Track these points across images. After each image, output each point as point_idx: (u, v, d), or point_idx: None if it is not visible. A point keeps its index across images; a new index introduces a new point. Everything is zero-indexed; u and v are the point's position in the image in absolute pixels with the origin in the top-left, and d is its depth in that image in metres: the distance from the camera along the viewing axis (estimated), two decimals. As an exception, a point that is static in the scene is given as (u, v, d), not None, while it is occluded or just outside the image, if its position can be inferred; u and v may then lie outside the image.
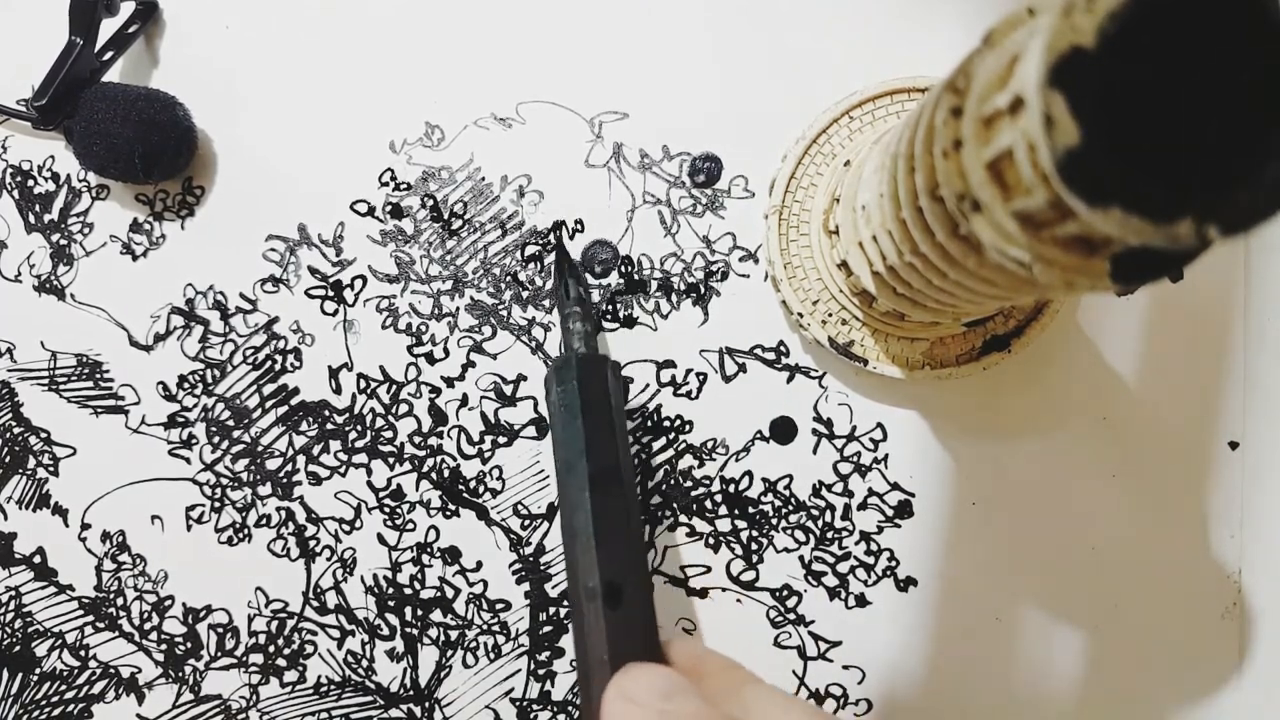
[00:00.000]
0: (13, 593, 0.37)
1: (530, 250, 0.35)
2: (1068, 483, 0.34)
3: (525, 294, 0.35)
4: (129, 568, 0.36)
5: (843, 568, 0.34)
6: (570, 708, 0.35)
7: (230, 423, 0.36)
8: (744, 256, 0.35)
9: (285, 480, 0.36)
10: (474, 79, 0.36)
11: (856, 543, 0.34)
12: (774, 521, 0.34)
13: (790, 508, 0.34)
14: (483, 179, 0.35)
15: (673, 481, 0.35)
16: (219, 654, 0.36)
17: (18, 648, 0.37)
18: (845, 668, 0.34)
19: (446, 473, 0.35)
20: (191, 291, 0.36)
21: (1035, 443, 0.34)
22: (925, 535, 0.34)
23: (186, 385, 0.36)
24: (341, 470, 0.36)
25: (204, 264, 0.36)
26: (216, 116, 0.36)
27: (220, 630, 0.36)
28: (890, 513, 0.34)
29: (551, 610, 0.35)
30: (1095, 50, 0.14)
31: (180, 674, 0.36)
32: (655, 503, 0.35)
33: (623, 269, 0.35)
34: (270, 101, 0.36)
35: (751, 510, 0.34)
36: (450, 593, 0.35)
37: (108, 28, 0.35)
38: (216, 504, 0.36)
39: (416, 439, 0.35)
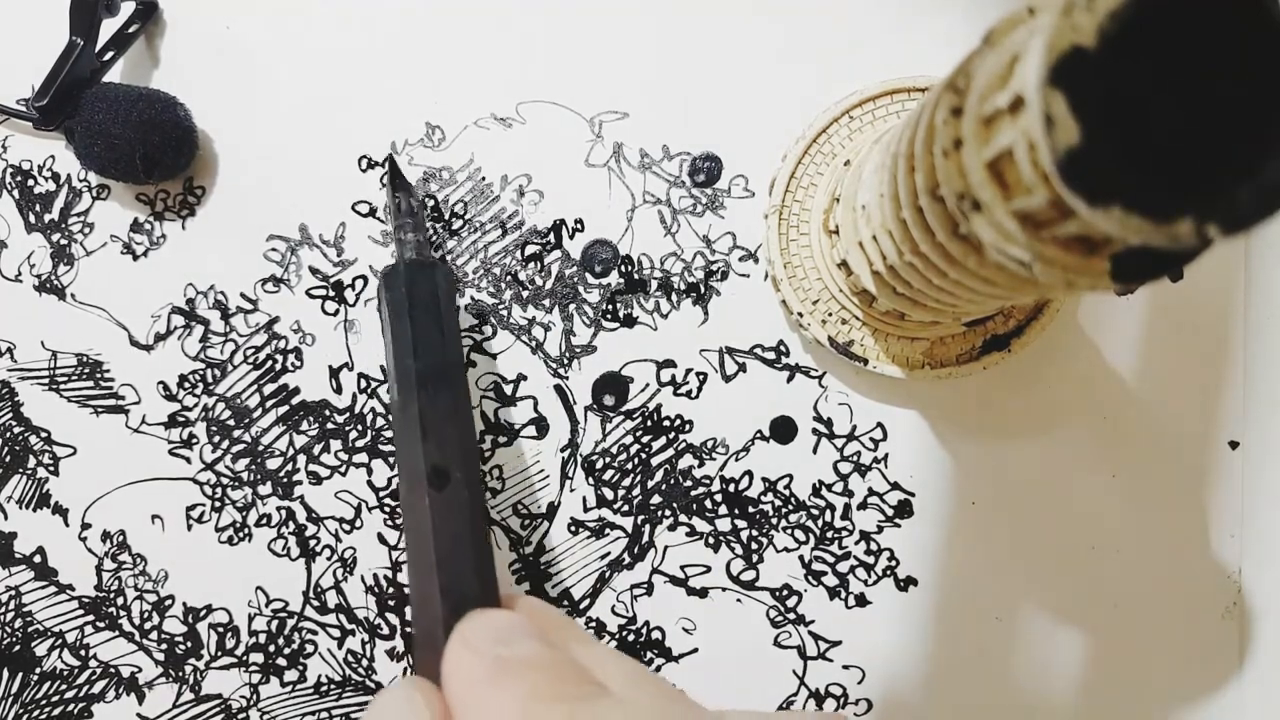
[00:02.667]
0: (13, 593, 0.37)
1: (530, 250, 0.35)
2: (1068, 483, 0.34)
3: (525, 294, 0.35)
4: (129, 567, 0.37)
5: (843, 567, 0.34)
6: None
7: (231, 422, 0.36)
8: (744, 256, 0.35)
9: (286, 480, 0.36)
10: (474, 79, 0.36)
11: (856, 542, 0.34)
12: (774, 521, 0.34)
13: (790, 507, 0.34)
14: (483, 179, 0.36)
15: (673, 481, 0.35)
16: (219, 653, 0.36)
17: (18, 648, 0.37)
18: (845, 668, 0.34)
19: (447, 472, 0.35)
20: (192, 291, 0.36)
21: (1035, 443, 0.34)
22: (925, 535, 0.34)
23: (187, 385, 0.36)
24: (342, 470, 0.36)
25: (204, 264, 0.36)
26: (217, 116, 0.36)
27: (220, 630, 0.36)
28: (890, 512, 0.34)
29: (552, 610, 0.35)
30: (1095, 50, 0.14)
31: (180, 673, 0.36)
32: (655, 503, 0.35)
33: (623, 269, 0.35)
34: (271, 101, 0.36)
35: (751, 510, 0.34)
36: (450, 592, 0.35)
37: (108, 28, 0.35)
38: (217, 504, 0.36)
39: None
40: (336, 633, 0.36)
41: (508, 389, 0.35)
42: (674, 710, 0.21)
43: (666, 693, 0.23)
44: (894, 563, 0.34)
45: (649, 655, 0.35)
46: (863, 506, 0.34)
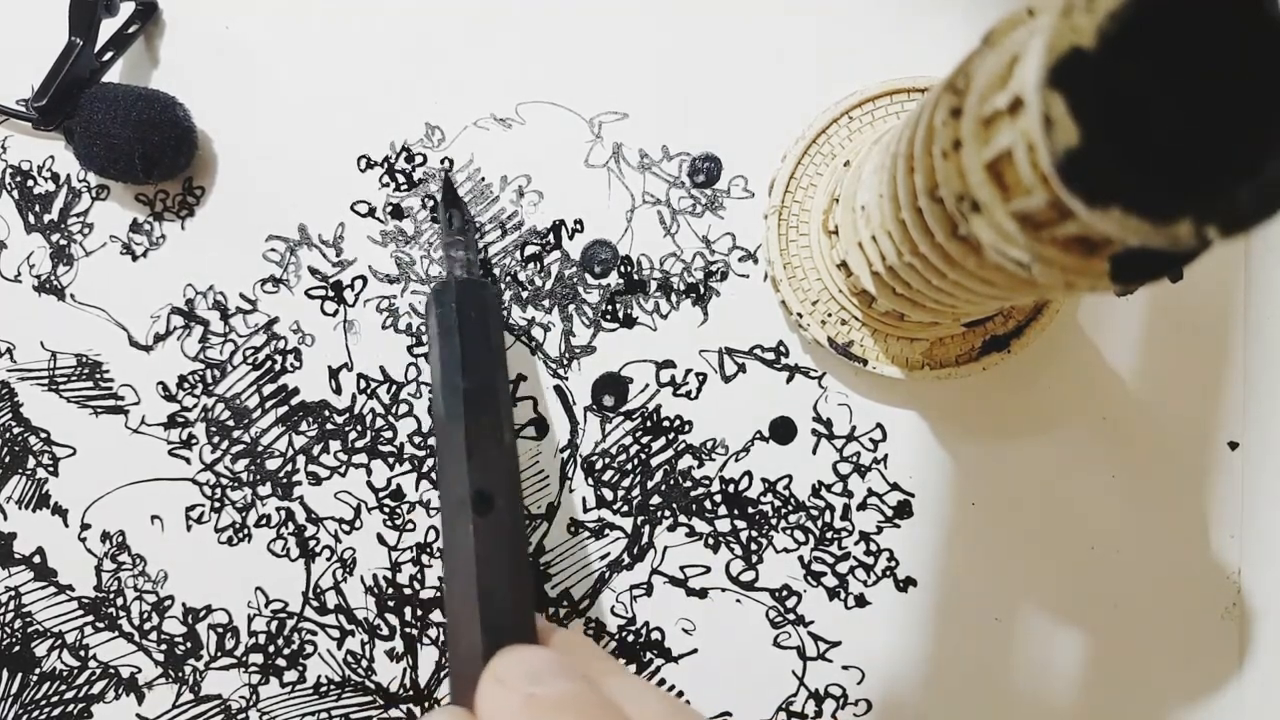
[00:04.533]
0: (13, 593, 0.37)
1: (530, 250, 0.35)
2: (1068, 483, 0.34)
3: (525, 294, 0.35)
4: (129, 568, 0.37)
5: (842, 568, 0.34)
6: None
7: (230, 423, 0.36)
8: (743, 256, 0.35)
9: (285, 480, 0.36)
10: (474, 79, 0.36)
11: (856, 543, 0.34)
12: (773, 522, 0.34)
13: (790, 508, 0.34)
14: (483, 179, 0.36)
15: (672, 481, 0.35)
16: (219, 654, 0.36)
17: (18, 648, 0.37)
18: (845, 668, 0.34)
19: (446, 473, 0.35)
20: (191, 291, 0.36)
21: (1035, 443, 0.34)
22: (925, 535, 0.34)
23: (186, 385, 0.36)
24: (341, 470, 0.36)
25: (204, 264, 0.36)
26: (216, 116, 0.36)
27: (220, 630, 0.36)
28: (890, 513, 0.34)
29: (552, 610, 0.35)
30: (1095, 50, 0.14)
31: (180, 674, 0.36)
32: (655, 503, 0.35)
33: (622, 269, 0.35)
34: (270, 101, 0.36)
35: (751, 510, 0.34)
36: (450, 593, 0.35)
37: (108, 28, 0.35)
38: (216, 504, 0.36)
39: (416, 439, 0.35)
40: (336, 633, 0.36)
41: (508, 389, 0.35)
42: None
43: None
44: (893, 563, 0.34)
45: (649, 655, 0.35)
46: (862, 507, 0.34)
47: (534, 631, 0.26)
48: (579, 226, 0.35)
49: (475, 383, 0.28)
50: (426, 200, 0.36)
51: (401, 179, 0.36)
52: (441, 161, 0.35)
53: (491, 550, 0.26)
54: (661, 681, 0.35)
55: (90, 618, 0.37)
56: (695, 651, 0.35)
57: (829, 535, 0.34)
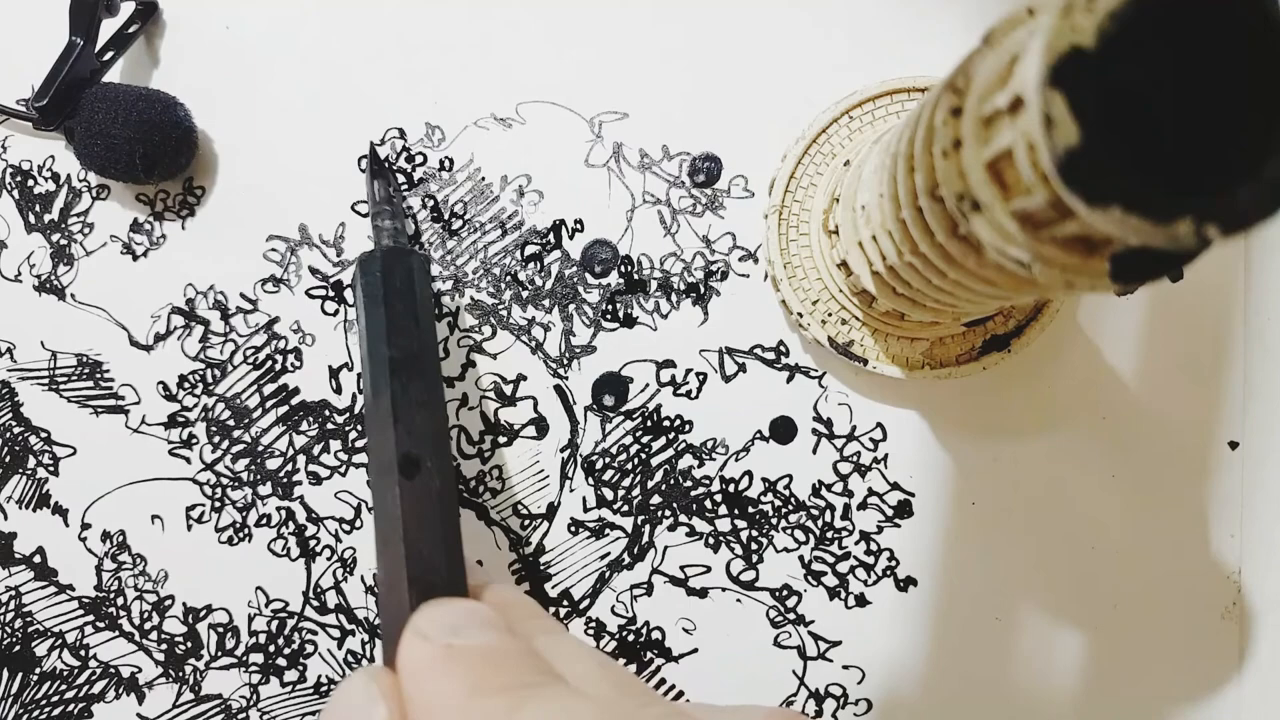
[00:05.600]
0: (13, 593, 0.37)
1: (530, 250, 0.35)
2: (1068, 483, 0.34)
3: (525, 294, 0.35)
4: (129, 567, 0.37)
5: (843, 567, 0.34)
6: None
7: (230, 422, 0.36)
8: (744, 256, 0.35)
9: (285, 480, 0.36)
10: (474, 79, 0.36)
11: (856, 543, 0.34)
12: (774, 521, 0.34)
13: (790, 507, 0.34)
14: (483, 179, 0.36)
15: (673, 481, 0.35)
16: (219, 654, 0.36)
17: (18, 648, 0.37)
18: (845, 668, 0.34)
19: (446, 473, 0.35)
20: (192, 291, 0.36)
21: (1035, 443, 0.34)
22: (925, 535, 0.34)
23: (186, 385, 0.36)
24: (342, 470, 0.36)
25: (204, 264, 0.36)
26: (217, 116, 0.36)
27: (220, 630, 0.36)
28: (890, 512, 0.34)
29: (551, 610, 0.35)
30: (1095, 50, 0.14)
31: (180, 674, 0.36)
32: (655, 503, 0.35)
33: (622, 269, 0.35)
34: (271, 101, 0.36)
35: (751, 510, 0.34)
36: (450, 592, 0.35)
37: (108, 28, 0.35)
38: (217, 504, 0.36)
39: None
40: (336, 633, 0.36)
41: (508, 389, 0.35)
42: (624, 704, 0.20)
43: (624, 685, 0.23)
44: (894, 563, 0.34)
45: (649, 655, 0.35)
46: (862, 507, 0.34)
47: (464, 590, 0.26)
48: (579, 226, 0.35)
49: (401, 350, 0.28)
50: (426, 200, 0.36)
51: (401, 178, 0.36)
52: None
53: (420, 511, 0.26)
54: (661, 681, 0.35)
55: (90, 617, 0.37)
56: (695, 651, 0.35)
57: (829, 535, 0.34)
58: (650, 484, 0.35)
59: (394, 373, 0.28)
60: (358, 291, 0.30)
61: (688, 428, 0.35)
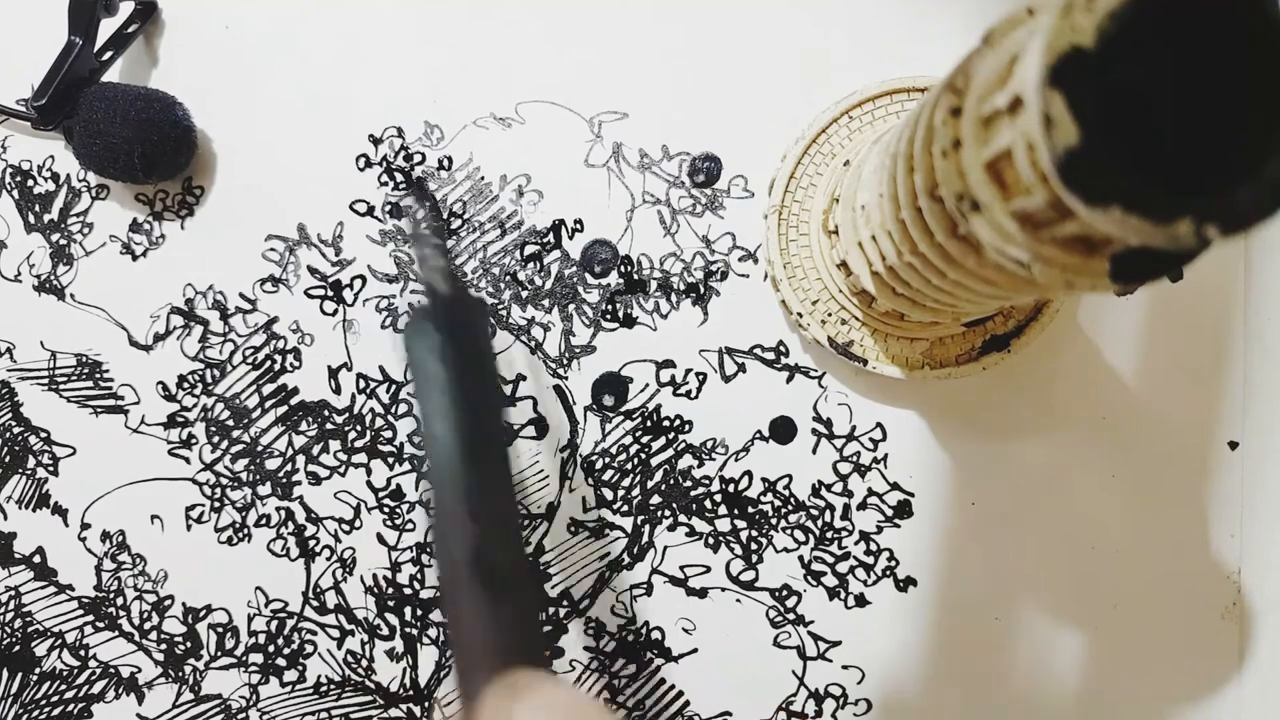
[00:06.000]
0: (13, 593, 0.37)
1: (530, 250, 0.35)
2: (1068, 483, 0.34)
3: (524, 294, 0.35)
4: (129, 567, 0.36)
5: (842, 568, 0.34)
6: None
7: (230, 423, 0.36)
8: (744, 256, 0.35)
9: (285, 480, 0.36)
10: (474, 79, 0.36)
11: (856, 543, 0.34)
12: (774, 521, 0.34)
13: (790, 507, 0.34)
14: (482, 178, 0.35)
15: (673, 481, 0.35)
16: (219, 654, 0.36)
17: (18, 648, 0.37)
18: (845, 668, 0.34)
19: (446, 473, 0.35)
20: (191, 291, 0.36)
21: (1035, 443, 0.34)
22: (925, 535, 0.34)
23: (186, 385, 0.36)
24: (341, 470, 0.36)
25: (204, 264, 0.36)
26: (216, 116, 0.36)
27: (220, 630, 0.36)
28: (890, 513, 0.34)
29: (551, 610, 0.35)
30: (1095, 50, 0.14)
31: (180, 674, 0.36)
32: (655, 502, 0.35)
33: (622, 269, 0.35)
34: (270, 101, 0.36)
35: (751, 510, 0.34)
36: (450, 593, 0.35)
37: (107, 28, 0.35)
38: (216, 504, 0.36)
39: (416, 439, 0.35)
40: (336, 633, 0.36)
41: (507, 389, 0.35)
42: None
43: None
44: (894, 563, 0.34)
45: (649, 655, 0.35)
46: (862, 507, 0.34)
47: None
48: (579, 226, 0.35)
49: (473, 430, 0.24)
50: (426, 199, 0.35)
51: (400, 178, 0.36)
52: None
53: (506, 636, 0.22)
54: (661, 681, 0.35)
55: (90, 617, 0.37)
56: (695, 651, 0.35)
57: (829, 535, 0.34)
58: (650, 484, 0.35)
59: (468, 457, 0.23)
60: (414, 353, 0.25)
61: (688, 428, 0.35)
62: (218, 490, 0.36)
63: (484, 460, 0.24)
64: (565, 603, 0.35)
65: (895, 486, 0.34)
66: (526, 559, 0.25)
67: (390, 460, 0.35)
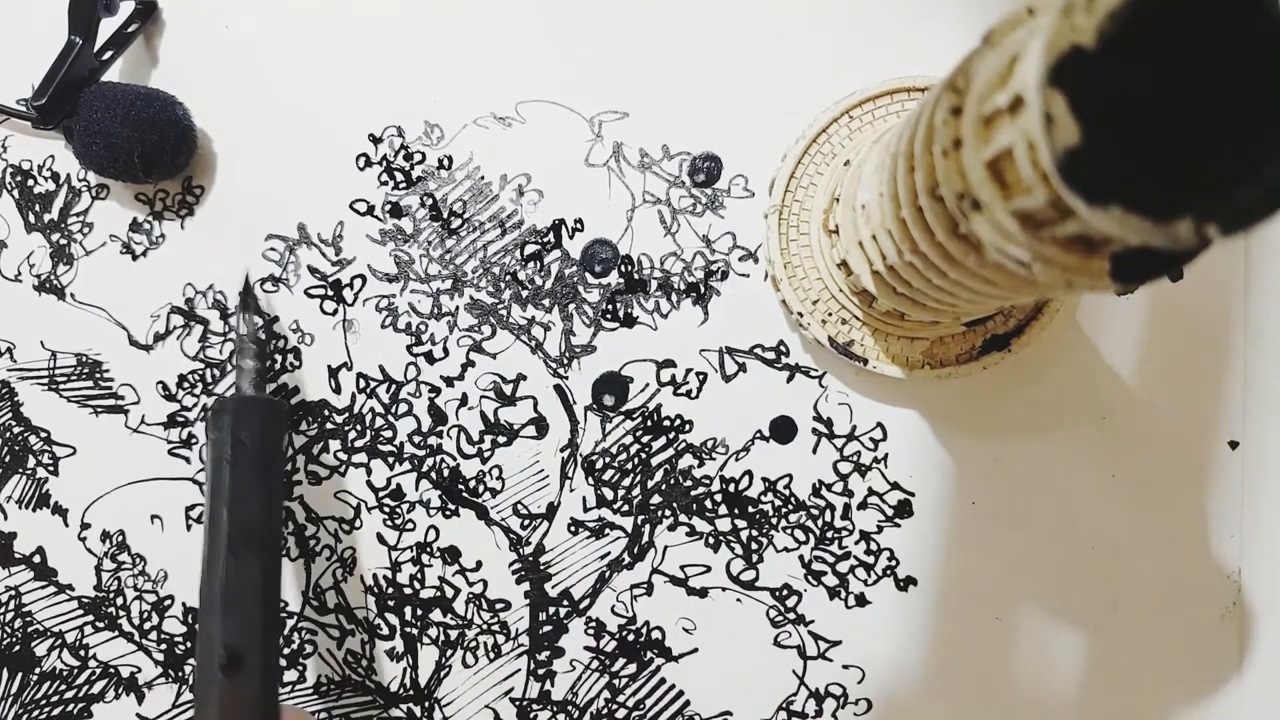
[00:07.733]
0: (13, 593, 0.37)
1: (530, 250, 0.35)
2: (1068, 483, 0.34)
3: (524, 293, 0.35)
4: (129, 567, 0.36)
5: (843, 567, 0.34)
6: (570, 707, 0.35)
7: (230, 422, 0.36)
8: (744, 256, 0.35)
9: (285, 480, 0.36)
10: (474, 78, 0.36)
11: (856, 542, 0.34)
12: (774, 521, 0.34)
13: (790, 507, 0.34)
14: (482, 178, 0.35)
15: (673, 481, 0.35)
16: (219, 654, 0.36)
17: (18, 648, 0.37)
18: (845, 667, 0.34)
19: (446, 472, 0.35)
20: (191, 291, 0.36)
21: (1035, 443, 0.34)
22: (925, 535, 0.34)
23: (186, 385, 0.36)
24: (341, 470, 0.36)
25: (204, 263, 0.36)
26: (216, 116, 0.36)
27: (220, 630, 0.36)
28: (890, 512, 0.34)
29: (551, 610, 0.35)
30: (1095, 50, 0.14)
31: (180, 673, 0.36)
32: (655, 502, 0.35)
33: (623, 268, 0.35)
34: (270, 101, 0.36)
35: (751, 510, 0.34)
36: (450, 592, 0.35)
37: (107, 27, 0.35)
38: (216, 504, 0.36)
39: (416, 438, 0.35)
40: (336, 633, 0.36)
41: (507, 389, 0.35)
42: None
43: None
44: (894, 563, 0.34)
45: (649, 655, 0.35)
46: (863, 506, 0.34)
47: None
48: (579, 226, 0.35)
49: (242, 525, 0.27)
50: (425, 199, 0.35)
51: (400, 177, 0.36)
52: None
53: (237, 709, 0.26)
54: (661, 681, 0.35)
55: (90, 617, 0.37)
56: (695, 651, 0.35)
57: (829, 535, 0.34)
58: (650, 484, 0.35)
59: (231, 548, 0.27)
60: (207, 444, 0.29)
61: (688, 427, 0.35)
62: (218, 490, 0.36)
63: (248, 555, 0.27)
64: (565, 602, 0.35)
65: (895, 486, 0.34)
66: (276, 656, 0.28)
67: (390, 460, 0.35)
